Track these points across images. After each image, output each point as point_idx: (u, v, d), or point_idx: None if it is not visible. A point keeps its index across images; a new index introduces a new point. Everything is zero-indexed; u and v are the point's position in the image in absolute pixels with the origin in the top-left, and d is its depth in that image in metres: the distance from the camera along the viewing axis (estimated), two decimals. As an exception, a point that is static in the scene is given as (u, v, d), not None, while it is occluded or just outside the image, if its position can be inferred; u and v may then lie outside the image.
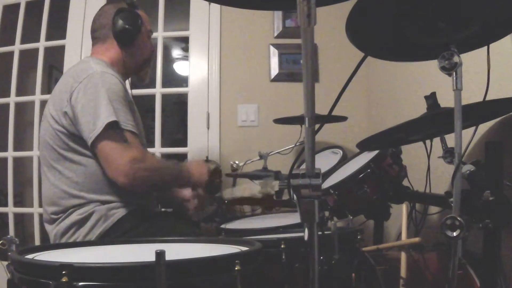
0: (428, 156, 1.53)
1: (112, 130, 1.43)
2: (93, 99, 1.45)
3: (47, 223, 1.58)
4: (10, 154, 2.75)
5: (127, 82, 1.81)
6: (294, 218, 1.67)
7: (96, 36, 1.70)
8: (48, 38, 2.79)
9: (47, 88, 3.04)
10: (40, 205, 2.54)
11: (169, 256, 0.72)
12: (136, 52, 1.70)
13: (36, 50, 2.79)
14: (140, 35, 1.67)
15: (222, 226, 1.66)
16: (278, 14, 2.79)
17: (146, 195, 1.64)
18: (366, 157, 1.62)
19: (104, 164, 1.46)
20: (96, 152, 1.46)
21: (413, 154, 1.85)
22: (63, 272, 0.72)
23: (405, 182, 1.61)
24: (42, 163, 1.60)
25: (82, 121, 1.45)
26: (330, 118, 2.02)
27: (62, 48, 2.76)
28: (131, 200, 1.55)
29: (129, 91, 1.70)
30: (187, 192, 1.75)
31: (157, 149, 2.72)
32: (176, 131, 4.57)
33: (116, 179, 1.44)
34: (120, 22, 1.63)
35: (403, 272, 1.19)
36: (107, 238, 1.46)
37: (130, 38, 1.66)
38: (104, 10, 1.71)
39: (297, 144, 2.39)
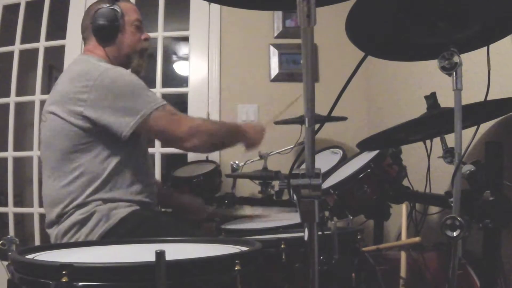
0: (428, 156, 1.53)
1: (160, 110, 1.52)
2: (120, 94, 1.48)
3: (48, 227, 1.57)
4: (10, 154, 2.75)
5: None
6: (294, 218, 1.67)
7: (84, 37, 1.73)
8: (48, 38, 2.79)
9: (47, 88, 3.04)
10: (40, 205, 2.54)
11: (169, 256, 0.72)
12: (119, 47, 1.68)
13: (36, 50, 2.79)
14: (120, 29, 1.67)
15: (222, 226, 1.66)
16: (278, 14, 2.79)
17: (148, 193, 1.64)
18: (366, 157, 1.62)
19: (164, 137, 1.63)
20: (148, 131, 1.56)
21: (413, 154, 1.85)
22: (63, 272, 0.72)
23: (405, 182, 1.61)
24: (44, 164, 1.60)
25: (113, 119, 1.48)
26: (330, 118, 2.01)
27: (62, 48, 2.76)
28: (132, 199, 1.55)
29: None
30: (187, 199, 1.77)
31: (157, 149, 2.71)
32: (176, 131, 4.56)
33: (181, 147, 1.60)
34: (96, 21, 1.65)
35: (403, 272, 1.19)
36: (107, 239, 1.46)
37: (109, 35, 1.66)
38: (87, 11, 1.72)
39: (297, 144, 2.39)
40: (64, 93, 1.54)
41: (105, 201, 1.51)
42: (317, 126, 0.77)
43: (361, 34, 1.01)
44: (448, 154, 1.21)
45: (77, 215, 1.48)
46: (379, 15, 0.96)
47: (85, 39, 1.73)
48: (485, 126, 1.44)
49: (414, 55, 1.19)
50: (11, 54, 2.80)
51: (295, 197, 0.74)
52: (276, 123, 2.37)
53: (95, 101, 1.48)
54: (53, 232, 1.54)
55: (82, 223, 1.48)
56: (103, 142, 1.52)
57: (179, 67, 4.62)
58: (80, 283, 0.72)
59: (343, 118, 2.28)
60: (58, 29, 2.84)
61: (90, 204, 1.49)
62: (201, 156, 2.61)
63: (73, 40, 2.71)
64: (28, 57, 2.86)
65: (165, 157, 2.88)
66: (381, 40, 1.06)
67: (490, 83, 1.03)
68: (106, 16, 1.65)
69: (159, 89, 2.75)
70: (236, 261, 0.80)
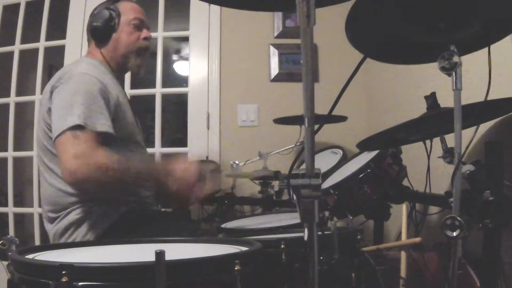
0: (428, 156, 1.53)
1: (73, 131, 1.37)
2: (64, 99, 1.44)
3: (46, 222, 1.58)
4: (10, 154, 2.75)
5: (127, 79, 1.81)
6: (294, 218, 1.67)
7: (87, 40, 1.75)
8: (48, 38, 2.79)
9: (47, 88, 3.04)
10: (40, 205, 2.54)
11: (169, 256, 0.72)
12: (115, 47, 1.67)
13: (36, 50, 2.79)
14: (115, 29, 1.66)
15: (222, 226, 1.66)
16: (278, 14, 2.79)
17: (145, 194, 1.63)
18: (366, 157, 1.63)
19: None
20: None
21: (413, 154, 1.85)
22: (63, 272, 0.72)
23: (405, 182, 1.60)
24: (39, 163, 1.60)
25: (52, 122, 1.44)
26: (330, 118, 2.02)
27: (62, 48, 2.76)
28: (128, 199, 1.54)
29: (118, 88, 1.63)
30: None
31: (157, 149, 2.72)
32: (176, 131, 4.57)
33: (64, 180, 1.37)
34: (92, 23, 1.68)
35: (403, 272, 1.19)
36: (106, 239, 1.45)
37: (104, 36, 1.66)
38: (91, 13, 1.73)
39: (297, 144, 2.39)
40: (45, 92, 1.55)
41: (100, 201, 1.50)
42: (317, 126, 0.77)
43: (361, 35, 1.01)
44: (448, 154, 1.21)
45: (73, 215, 1.48)
46: (379, 15, 0.96)
47: (88, 42, 1.74)
48: (485, 126, 1.44)
49: (413, 57, 1.18)
50: (11, 54, 2.80)
51: (295, 197, 0.74)
52: (276, 122, 2.37)
53: (53, 100, 1.47)
54: (51, 229, 1.54)
55: (78, 223, 1.48)
56: None
57: (179, 67, 4.62)
58: (80, 283, 0.72)
59: (343, 118, 2.28)
60: (58, 29, 2.84)
61: (85, 204, 1.49)
62: (201, 156, 2.61)
63: (73, 40, 2.72)
64: (28, 57, 2.86)
65: (165, 157, 2.88)
66: (381, 40, 1.06)
67: (490, 83, 1.02)
68: (101, 17, 1.66)
69: (159, 89, 2.75)
70: (236, 261, 0.80)
